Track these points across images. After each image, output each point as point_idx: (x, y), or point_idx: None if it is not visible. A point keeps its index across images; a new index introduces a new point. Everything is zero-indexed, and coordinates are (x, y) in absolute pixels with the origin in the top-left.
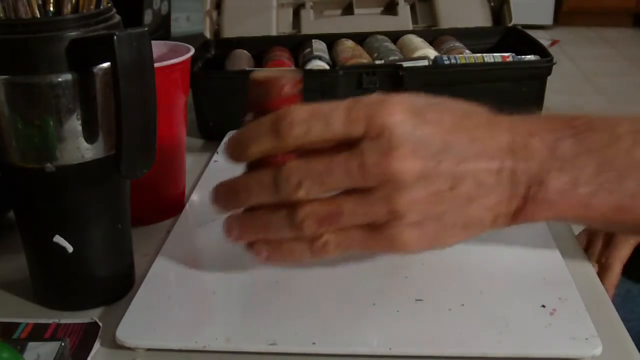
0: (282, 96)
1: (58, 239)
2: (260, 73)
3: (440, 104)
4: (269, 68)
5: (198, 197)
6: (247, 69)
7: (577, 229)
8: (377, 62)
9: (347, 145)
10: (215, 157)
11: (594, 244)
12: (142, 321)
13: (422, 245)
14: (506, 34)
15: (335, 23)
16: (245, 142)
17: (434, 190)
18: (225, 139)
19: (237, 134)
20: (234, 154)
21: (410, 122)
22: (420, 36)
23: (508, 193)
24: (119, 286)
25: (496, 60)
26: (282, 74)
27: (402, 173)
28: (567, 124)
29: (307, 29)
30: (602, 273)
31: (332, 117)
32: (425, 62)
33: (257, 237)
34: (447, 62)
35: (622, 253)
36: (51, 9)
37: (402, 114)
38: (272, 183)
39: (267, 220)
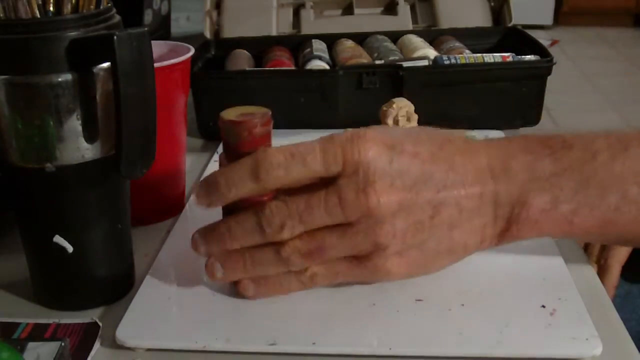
0: (253, 136)
1: (58, 239)
2: (230, 112)
3: (417, 134)
4: (239, 106)
5: None
6: (247, 69)
7: None
8: (377, 62)
9: (325, 181)
10: (215, 157)
11: (593, 244)
12: (142, 321)
13: (406, 273)
14: (506, 34)
15: (335, 23)
16: (224, 187)
17: (415, 220)
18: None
19: (211, 180)
20: (210, 199)
21: (385, 155)
22: (420, 36)
23: (492, 215)
24: (119, 286)
25: (496, 60)
26: (252, 112)
27: (380, 207)
28: (542, 144)
29: (307, 29)
30: (601, 274)
31: (308, 158)
32: (425, 62)
33: (243, 276)
34: (447, 62)
35: (620, 254)
36: (51, 9)
37: (376, 148)
38: (256, 226)
39: (251, 260)
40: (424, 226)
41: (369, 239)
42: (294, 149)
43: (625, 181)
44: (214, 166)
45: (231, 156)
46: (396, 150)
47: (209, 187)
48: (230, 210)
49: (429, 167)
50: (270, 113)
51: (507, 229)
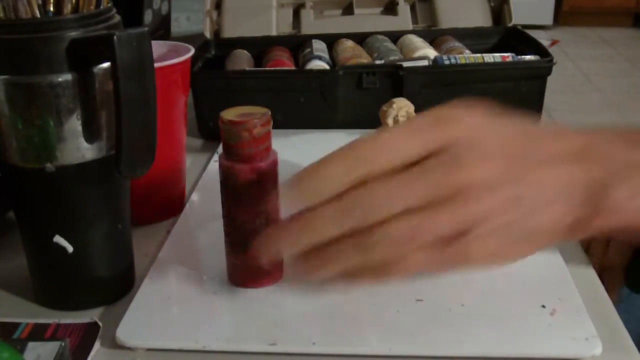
0: (253, 136)
1: (58, 239)
2: (230, 112)
3: (510, 118)
4: (239, 106)
5: (198, 197)
6: (247, 69)
7: None
8: (377, 62)
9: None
10: (215, 157)
11: (595, 244)
12: (142, 321)
13: (489, 259)
14: (506, 34)
15: (335, 23)
16: (333, 175)
17: (504, 198)
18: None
19: (319, 170)
20: (318, 187)
21: (481, 133)
22: (420, 36)
23: (580, 200)
24: (119, 286)
25: (496, 60)
26: (252, 112)
27: (472, 182)
28: (632, 136)
29: (307, 29)
30: (604, 275)
31: (415, 138)
32: (425, 62)
33: (339, 268)
34: (447, 62)
35: (623, 255)
36: (51, 9)
37: (469, 129)
38: (356, 206)
39: (348, 248)
40: (512, 205)
41: (457, 217)
42: (404, 129)
43: None
44: (214, 166)
45: (230, 155)
46: (490, 129)
47: (318, 175)
48: (230, 214)
49: (523, 145)
50: (270, 113)
51: (595, 216)
